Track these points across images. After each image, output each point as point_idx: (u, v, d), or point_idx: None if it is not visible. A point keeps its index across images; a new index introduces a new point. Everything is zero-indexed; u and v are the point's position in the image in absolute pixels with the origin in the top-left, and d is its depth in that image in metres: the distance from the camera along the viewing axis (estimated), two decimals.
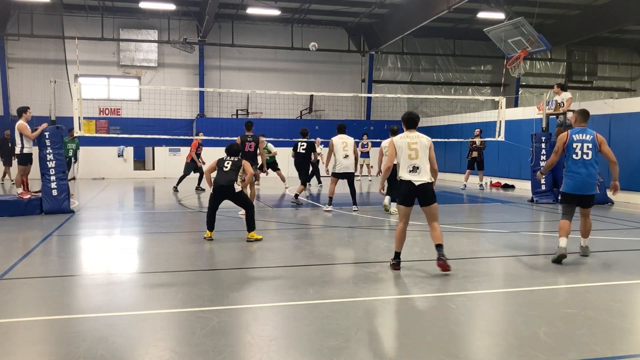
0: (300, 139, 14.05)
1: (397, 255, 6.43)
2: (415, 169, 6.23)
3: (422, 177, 6.21)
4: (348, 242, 8.40)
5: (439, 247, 6.29)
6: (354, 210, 11.49)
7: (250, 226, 8.22)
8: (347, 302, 5.14)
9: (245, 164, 8.47)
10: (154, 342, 4.18)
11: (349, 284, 5.79)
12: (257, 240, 8.16)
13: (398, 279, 6.02)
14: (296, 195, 13.18)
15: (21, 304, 5.18)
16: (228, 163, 8.35)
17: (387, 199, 11.33)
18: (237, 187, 8.20)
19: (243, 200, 8.34)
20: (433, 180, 6.31)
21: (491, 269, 6.83)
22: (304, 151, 13.95)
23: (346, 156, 11.52)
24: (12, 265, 6.55)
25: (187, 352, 3.93)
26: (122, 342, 4.14)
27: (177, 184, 16.46)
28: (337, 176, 11.71)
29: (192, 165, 16.29)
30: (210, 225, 8.34)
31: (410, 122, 6.48)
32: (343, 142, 11.60)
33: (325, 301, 5.16)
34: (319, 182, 18.19)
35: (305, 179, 14.03)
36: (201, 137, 16.28)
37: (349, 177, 11.60)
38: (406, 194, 6.26)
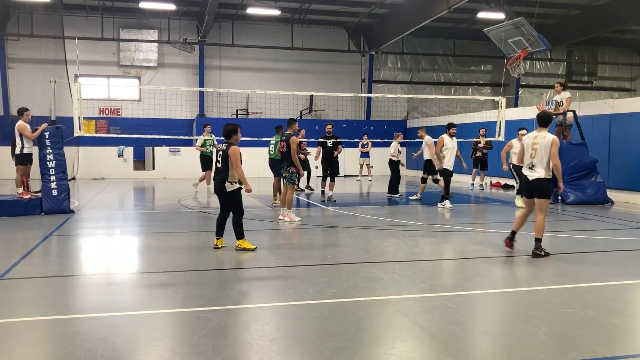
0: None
1: (513, 233, 7.45)
2: (532, 167, 7.19)
3: (536, 173, 7.15)
4: (348, 242, 8.40)
5: (536, 240, 7.17)
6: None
7: (238, 234, 7.46)
8: (347, 302, 5.14)
9: (232, 152, 7.21)
10: (154, 342, 4.18)
11: (349, 284, 5.79)
12: (247, 250, 7.40)
13: (398, 279, 6.02)
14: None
15: (21, 304, 5.18)
16: (219, 154, 7.37)
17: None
18: (230, 186, 7.27)
19: (231, 203, 7.42)
20: (550, 176, 7.14)
21: (491, 269, 6.83)
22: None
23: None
24: (12, 265, 6.55)
25: (187, 352, 3.93)
26: (122, 342, 4.14)
27: (308, 183, 16.75)
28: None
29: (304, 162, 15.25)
30: (217, 231, 7.62)
31: (541, 120, 7.33)
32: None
33: (325, 301, 5.16)
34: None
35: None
36: (302, 133, 14.84)
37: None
38: (524, 185, 7.39)
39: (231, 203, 7.45)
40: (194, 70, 25.52)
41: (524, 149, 7.42)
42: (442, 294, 5.46)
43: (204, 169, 15.60)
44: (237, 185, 7.39)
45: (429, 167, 13.86)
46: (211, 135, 15.73)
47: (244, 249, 7.44)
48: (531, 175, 7.18)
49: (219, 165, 7.38)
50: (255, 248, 7.52)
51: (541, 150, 7.10)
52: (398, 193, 14.91)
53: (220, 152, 7.38)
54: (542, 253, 7.09)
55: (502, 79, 25.30)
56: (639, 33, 27.60)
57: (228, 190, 7.33)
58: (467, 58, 28.77)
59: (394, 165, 14.93)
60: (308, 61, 26.74)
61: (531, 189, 7.24)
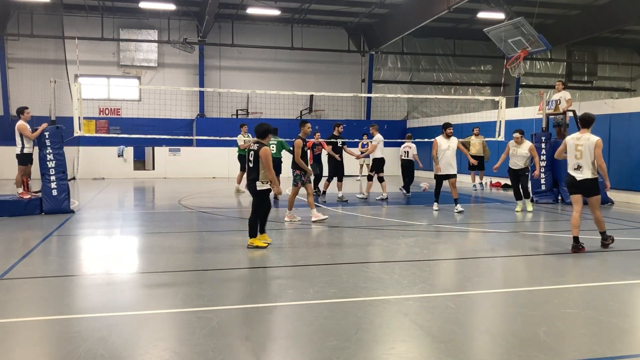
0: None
1: (575, 239, 7.45)
2: (578, 167, 7.39)
3: (583, 174, 7.35)
4: (348, 242, 8.40)
5: (601, 234, 7.64)
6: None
7: (251, 232, 7.64)
8: (347, 302, 5.14)
9: (263, 154, 7.33)
10: (154, 342, 4.18)
11: (349, 284, 5.79)
12: (257, 247, 7.55)
13: (398, 279, 6.02)
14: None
15: (21, 304, 5.18)
16: (252, 153, 7.51)
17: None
18: (261, 186, 7.43)
19: (255, 201, 7.60)
20: (596, 175, 7.34)
21: (491, 269, 6.83)
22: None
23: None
24: (12, 265, 6.55)
25: (187, 352, 3.93)
26: (122, 342, 4.14)
27: (317, 188, 15.08)
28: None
29: (315, 166, 14.61)
30: (250, 231, 7.65)
31: (583, 121, 7.54)
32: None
33: (325, 301, 5.16)
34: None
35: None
36: (317, 136, 14.52)
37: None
38: (570, 185, 7.56)
39: (255, 201, 7.65)
40: (194, 70, 25.52)
41: (565, 147, 7.60)
42: (442, 294, 5.46)
43: (242, 169, 15.21)
44: (267, 186, 7.56)
45: (377, 165, 14.25)
46: (248, 135, 15.70)
47: (256, 247, 7.56)
48: (578, 176, 7.39)
49: (251, 165, 7.54)
50: (267, 246, 7.64)
51: (586, 152, 7.30)
52: (409, 192, 15.15)
53: (252, 152, 7.51)
54: (609, 242, 7.60)
55: (502, 79, 25.29)
56: (639, 33, 27.60)
57: (258, 189, 7.50)
58: (467, 58, 28.76)
59: (410, 164, 15.18)
60: (308, 61, 26.74)
61: (578, 189, 7.44)
